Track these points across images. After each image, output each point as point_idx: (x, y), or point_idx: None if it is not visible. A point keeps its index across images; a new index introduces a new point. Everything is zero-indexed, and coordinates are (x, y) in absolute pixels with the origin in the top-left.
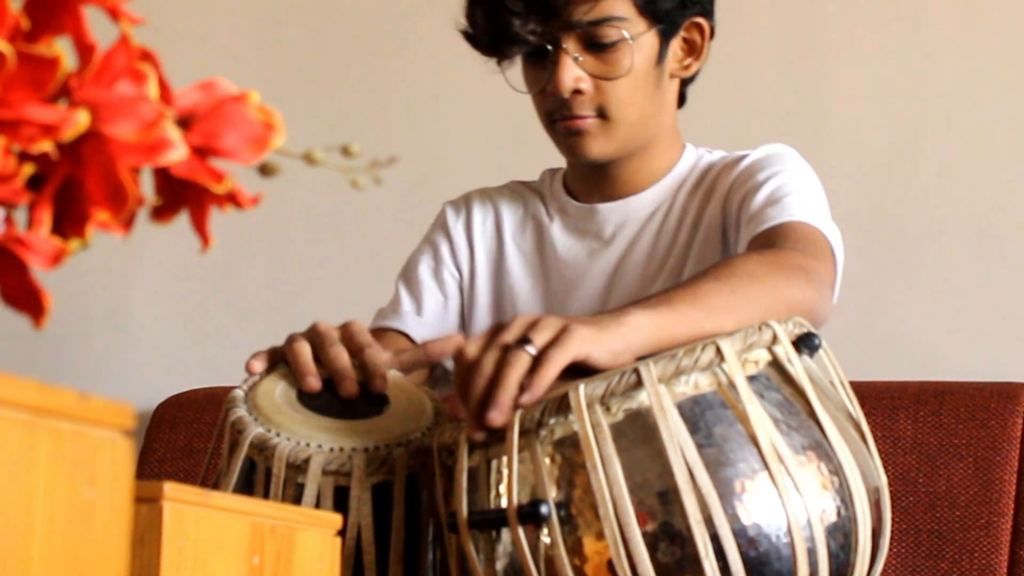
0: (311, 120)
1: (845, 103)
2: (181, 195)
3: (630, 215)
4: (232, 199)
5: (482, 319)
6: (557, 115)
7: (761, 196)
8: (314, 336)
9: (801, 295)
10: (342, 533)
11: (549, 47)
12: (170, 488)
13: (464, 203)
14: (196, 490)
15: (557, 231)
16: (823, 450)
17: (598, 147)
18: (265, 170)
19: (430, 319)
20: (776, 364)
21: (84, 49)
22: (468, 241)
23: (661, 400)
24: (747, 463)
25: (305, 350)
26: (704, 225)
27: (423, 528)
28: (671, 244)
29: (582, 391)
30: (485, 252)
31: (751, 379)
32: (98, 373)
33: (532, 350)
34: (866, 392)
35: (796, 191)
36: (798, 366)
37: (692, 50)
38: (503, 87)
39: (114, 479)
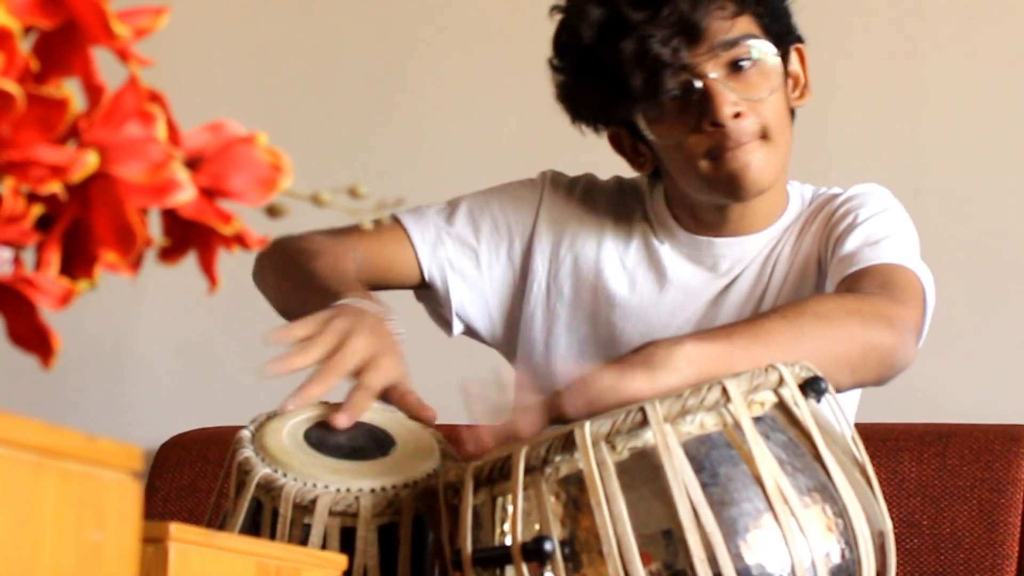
0: (318, 161)
1: (844, 146)
2: (189, 236)
3: (746, 253)
4: (240, 240)
5: (568, 326)
6: (718, 150)
7: (857, 237)
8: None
9: (878, 339)
10: (348, 574)
11: (697, 82)
12: (176, 529)
13: (569, 188)
14: (201, 530)
15: (668, 255)
16: (828, 492)
17: (766, 174)
18: (273, 211)
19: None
20: (782, 406)
21: (93, 90)
22: (556, 237)
23: (667, 439)
24: (752, 503)
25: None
26: (799, 262)
27: (428, 570)
28: (768, 282)
29: (587, 429)
30: (572, 257)
31: (757, 420)
32: (102, 411)
33: None
34: (870, 434)
35: (893, 234)
36: (804, 409)
37: (797, 82)
38: (506, 128)
39: (122, 520)
